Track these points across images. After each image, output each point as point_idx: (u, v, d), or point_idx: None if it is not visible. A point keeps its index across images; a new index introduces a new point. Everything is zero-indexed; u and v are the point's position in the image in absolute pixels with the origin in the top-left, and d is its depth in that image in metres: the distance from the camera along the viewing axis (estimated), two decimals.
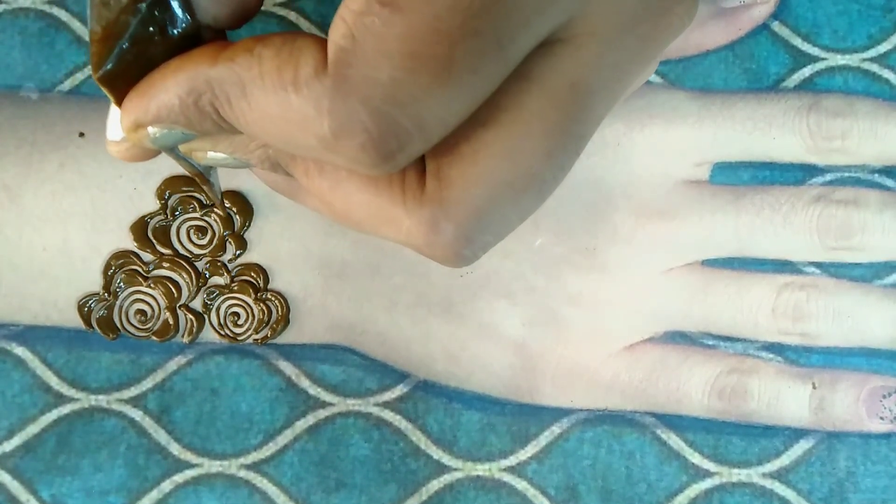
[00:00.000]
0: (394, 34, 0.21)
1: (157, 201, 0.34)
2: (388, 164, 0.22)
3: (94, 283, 0.33)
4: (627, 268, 0.34)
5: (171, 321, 0.33)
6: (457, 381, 0.34)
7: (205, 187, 0.28)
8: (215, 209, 0.34)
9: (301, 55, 0.22)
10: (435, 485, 0.33)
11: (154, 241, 0.34)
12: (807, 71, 0.35)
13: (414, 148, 0.22)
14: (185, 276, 0.34)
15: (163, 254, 0.34)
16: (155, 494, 0.32)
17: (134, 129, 0.24)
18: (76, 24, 0.35)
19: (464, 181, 0.23)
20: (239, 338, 0.33)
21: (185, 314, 0.33)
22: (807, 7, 0.36)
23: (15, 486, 0.32)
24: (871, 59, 0.36)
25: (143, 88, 0.23)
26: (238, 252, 0.34)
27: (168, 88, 0.23)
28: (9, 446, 0.33)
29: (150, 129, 0.24)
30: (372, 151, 0.22)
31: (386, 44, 0.21)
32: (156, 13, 0.23)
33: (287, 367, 0.33)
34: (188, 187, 0.34)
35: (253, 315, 0.33)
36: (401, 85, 0.21)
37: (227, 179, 0.33)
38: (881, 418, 0.33)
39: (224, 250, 0.34)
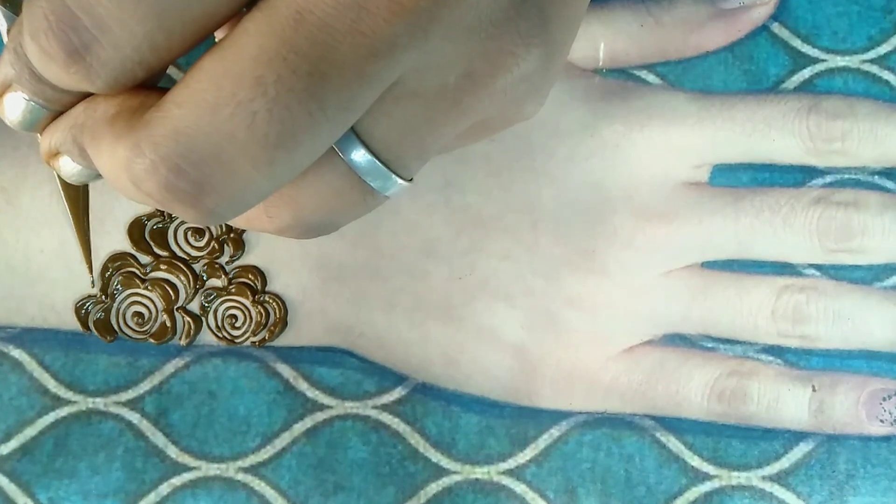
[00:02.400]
0: None
1: None
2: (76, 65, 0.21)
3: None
4: (627, 270, 0.34)
5: (168, 323, 0.33)
6: (455, 383, 0.33)
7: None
8: None
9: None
10: (433, 488, 0.32)
11: (151, 243, 0.33)
12: (806, 72, 0.35)
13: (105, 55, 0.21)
14: (182, 278, 0.33)
15: (160, 256, 0.33)
16: (152, 497, 0.32)
17: (50, 156, 0.24)
18: None
19: (171, 103, 0.21)
20: (236, 340, 0.33)
21: (183, 316, 0.33)
22: (806, 8, 0.36)
23: (12, 489, 0.32)
24: (871, 61, 0.36)
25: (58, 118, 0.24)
26: (235, 254, 0.33)
27: (63, 120, 0.23)
28: (6, 449, 0.32)
29: (62, 161, 0.24)
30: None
31: None
32: None
33: (285, 370, 0.33)
34: None
35: (250, 317, 0.33)
36: None
37: None
38: (881, 421, 0.33)
39: (221, 252, 0.34)
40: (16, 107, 0.23)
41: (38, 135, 0.24)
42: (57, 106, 0.23)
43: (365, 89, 0.21)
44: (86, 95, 0.23)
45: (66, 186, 0.28)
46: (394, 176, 0.24)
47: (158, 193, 0.21)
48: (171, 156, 0.21)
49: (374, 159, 0.23)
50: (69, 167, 0.24)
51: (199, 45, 0.22)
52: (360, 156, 0.23)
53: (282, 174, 0.21)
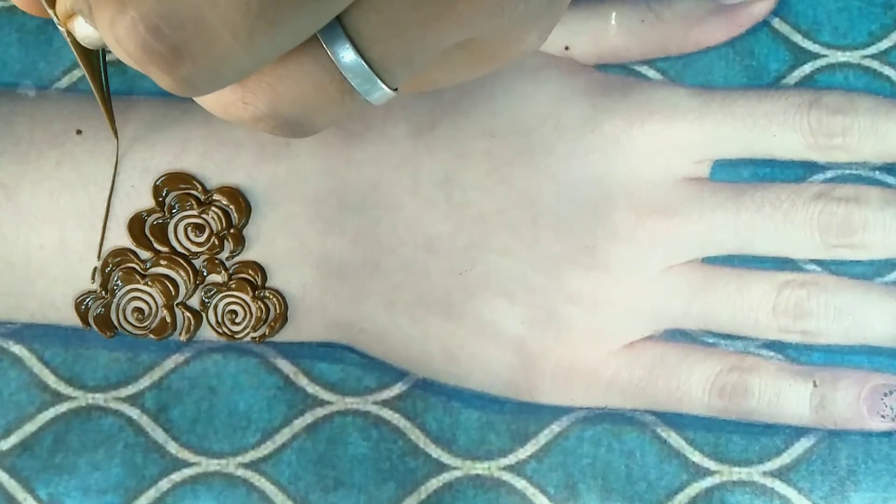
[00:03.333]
0: None
1: (154, 199, 0.33)
2: None
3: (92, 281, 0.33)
4: (627, 266, 0.34)
5: (168, 319, 0.33)
6: (456, 379, 0.33)
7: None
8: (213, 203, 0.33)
9: None
10: (434, 483, 0.32)
11: (151, 238, 0.33)
12: (807, 68, 0.35)
13: None
14: (182, 273, 0.33)
15: (160, 251, 0.33)
16: (152, 493, 0.32)
17: (66, 18, 0.24)
18: None
19: None
20: (237, 336, 0.33)
21: (183, 312, 0.33)
22: (807, 4, 0.36)
23: (12, 485, 0.32)
24: (872, 56, 0.36)
25: None
26: (236, 250, 0.33)
27: None
28: (6, 445, 0.32)
29: (77, 22, 0.24)
30: None
31: None
32: None
33: (285, 366, 0.33)
34: (186, 185, 0.33)
35: (251, 313, 0.33)
36: None
37: (223, 176, 0.33)
38: (882, 416, 0.33)
39: (222, 248, 0.33)
40: (85, 28, 0.23)
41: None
42: None
43: None
44: None
45: (84, 53, 0.28)
46: (376, 78, 0.23)
47: (136, 53, 0.21)
48: (150, 15, 0.20)
49: (359, 57, 0.23)
50: (83, 29, 0.24)
51: None
52: (344, 50, 0.22)
53: (261, 49, 0.21)
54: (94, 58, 0.29)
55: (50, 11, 0.24)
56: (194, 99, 0.24)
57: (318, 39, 0.22)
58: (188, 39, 0.20)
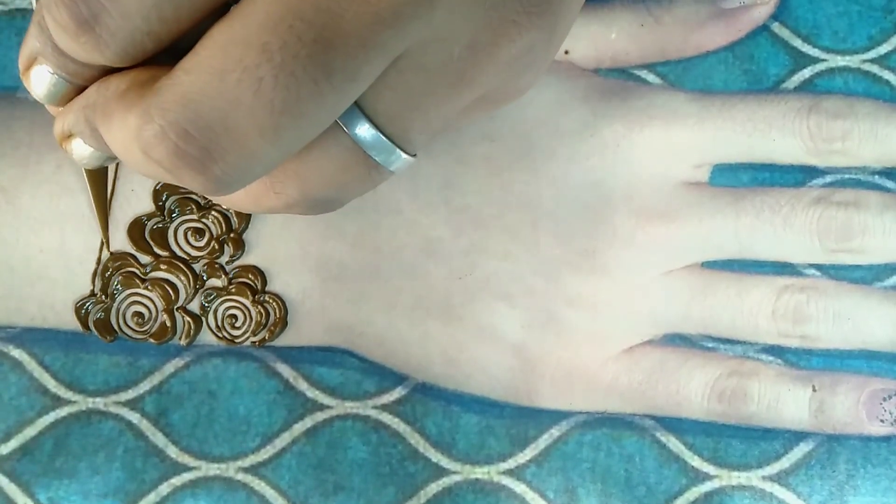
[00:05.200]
0: None
1: (154, 203, 0.33)
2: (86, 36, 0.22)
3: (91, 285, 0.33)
4: (627, 270, 0.34)
5: (168, 323, 0.33)
6: (455, 383, 0.33)
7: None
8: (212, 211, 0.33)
9: None
10: (433, 488, 0.32)
11: (151, 242, 0.33)
12: (807, 72, 0.35)
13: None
14: (182, 278, 0.33)
15: (160, 256, 0.33)
16: (152, 497, 0.32)
17: (63, 138, 0.24)
18: None
19: (180, 70, 0.21)
20: (236, 340, 0.33)
21: (183, 316, 0.33)
22: (807, 8, 0.36)
23: (12, 489, 0.32)
24: (872, 61, 0.35)
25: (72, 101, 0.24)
26: (236, 254, 0.33)
27: (77, 101, 0.24)
28: (6, 449, 0.32)
29: (74, 143, 0.24)
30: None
31: None
32: None
33: (285, 370, 0.33)
34: (185, 189, 0.33)
35: (250, 317, 0.33)
36: None
37: None
38: (881, 421, 0.33)
39: (222, 252, 0.33)
40: (41, 80, 0.24)
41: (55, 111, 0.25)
42: (79, 80, 0.23)
43: (370, 58, 0.21)
44: (106, 72, 0.23)
45: (90, 171, 0.28)
46: (398, 150, 0.24)
47: (168, 160, 0.21)
48: (179, 121, 0.21)
49: (379, 133, 0.23)
50: (81, 149, 0.24)
51: (209, 17, 0.22)
52: (364, 130, 0.23)
53: (287, 142, 0.22)
54: (101, 174, 0.31)
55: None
56: (223, 200, 0.25)
57: (337, 123, 0.23)
58: (217, 140, 0.21)
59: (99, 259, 0.33)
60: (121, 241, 0.33)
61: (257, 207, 0.25)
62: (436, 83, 0.23)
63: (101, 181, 0.31)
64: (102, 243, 0.33)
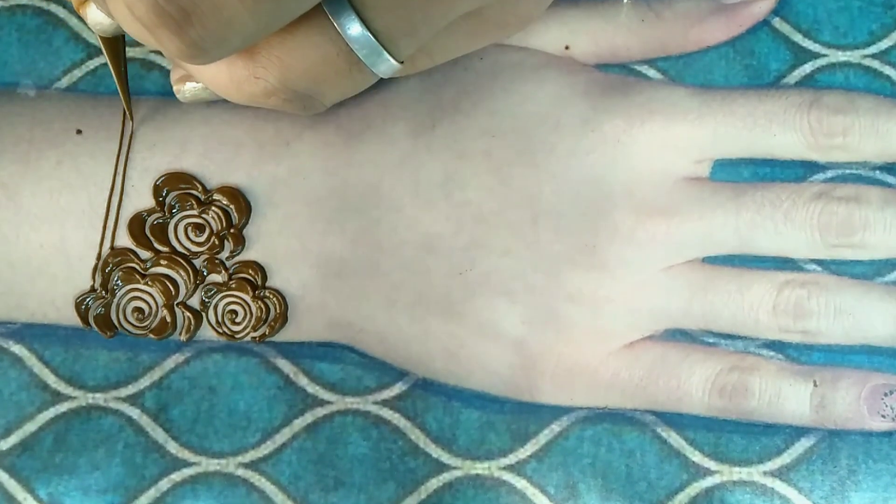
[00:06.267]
0: None
1: (155, 198, 0.33)
2: None
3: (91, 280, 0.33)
4: (627, 265, 0.34)
5: (168, 319, 0.33)
6: (456, 379, 0.33)
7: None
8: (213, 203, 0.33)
9: None
10: (434, 483, 0.32)
11: (152, 238, 0.33)
12: (808, 67, 0.35)
13: None
14: (182, 273, 0.33)
15: (160, 251, 0.33)
16: (152, 493, 0.32)
17: (79, 4, 0.25)
18: (73, 21, 0.35)
19: None
20: (237, 336, 0.33)
21: (183, 312, 0.33)
22: (808, 3, 0.36)
23: (12, 485, 0.32)
24: (873, 56, 0.35)
25: None
26: (236, 250, 0.33)
27: None
28: (6, 444, 0.32)
29: (90, 9, 0.25)
30: None
31: None
32: None
33: (285, 366, 0.33)
34: (186, 184, 0.33)
35: (251, 313, 0.33)
36: None
37: (223, 176, 0.33)
38: (883, 416, 0.33)
39: (222, 248, 0.33)
40: (97, 15, 0.25)
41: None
42: None
43: None
44: None
45: (105, 39, 0.29)
46: (383, 51, 0.24)
47: (147, 17, 0.22)
48: None
49: (364, 29, 0.23)
50: (94, 15, 0.25)
51: None
52: (349, 21, 0.23)
53: (266, 14, 0.22)
54: (116, 44, 0.30)
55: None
56: (206, 80, 0.25)
57: (324, 12, 0.23)
58: (196, 2, 0.21)
59: (99, 255, 0.33)
60: (121, 236, 0.33)
61: (238, 92, 0.25)
62: None
63: (117, 50, 0.31)
64: (102, 239, 0.33)
